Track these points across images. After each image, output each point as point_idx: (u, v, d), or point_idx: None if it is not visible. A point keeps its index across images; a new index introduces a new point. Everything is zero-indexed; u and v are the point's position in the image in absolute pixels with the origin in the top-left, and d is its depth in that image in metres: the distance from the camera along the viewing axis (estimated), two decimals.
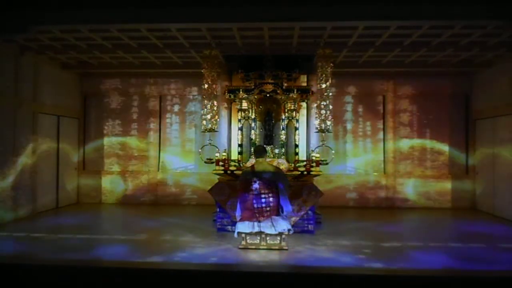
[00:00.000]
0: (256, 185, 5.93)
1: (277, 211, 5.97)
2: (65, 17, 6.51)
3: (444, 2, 6.17)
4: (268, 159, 7.17)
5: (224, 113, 9.82)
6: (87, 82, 10.81)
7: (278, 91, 8.29)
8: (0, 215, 7.77)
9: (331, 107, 7.55)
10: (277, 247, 6.01)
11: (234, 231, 6.13)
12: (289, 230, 5.97)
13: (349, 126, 10.45)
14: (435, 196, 10.22)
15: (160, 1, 6.36)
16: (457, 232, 7.80)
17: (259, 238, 6.06)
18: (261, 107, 8.69)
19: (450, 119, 10.35)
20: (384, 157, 10.38)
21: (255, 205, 5.90)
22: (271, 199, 5.92)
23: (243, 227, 6.00)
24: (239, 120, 8.61)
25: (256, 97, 8.42)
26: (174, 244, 6.42)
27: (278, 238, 6.03)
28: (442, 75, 10.20)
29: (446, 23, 6.66)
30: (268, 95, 8.41)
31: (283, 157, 8.32)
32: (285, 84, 8.35)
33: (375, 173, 10.38)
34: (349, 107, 10.48)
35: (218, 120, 7.93)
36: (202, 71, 7.72)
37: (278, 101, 8.52)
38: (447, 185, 10.22)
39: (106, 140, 10.81)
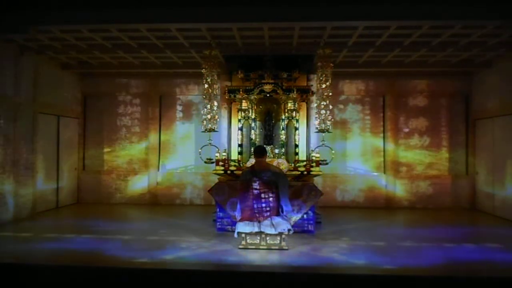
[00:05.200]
0: (256, 185, 5.92)
1: (277, 211, 5.97)
2: (65, 17, 6.53)
3: (444, 2, 6.18)
4: (268, 159, 7.17)
5: (224, 113, 9.81)
6: (87, 82, 10.81)
7: (278, 91, 8.29)
8: (1, 215, 7.77)
9: (331, 107, 7.56)
10: (277, 247, 6.01)
11: (234, 231, 6.12)
12: (289, 230, 5.96)
13: (349, 126, 10.46)
14: (435, 196, 10.22)
15: (160, 1, 6.37)
16: (453, 233, 7.78)
17: (259, 238, 6.06)
18: (261, 107, 8.68)
19: (450, 119, 10.36)
20: (384, 157, 10.39)
21: (255, 205, 5.90)
22: (271, 199, 5.92)
23: (243, 227, 5.99)
24: (239, 120, 8.61)
25: (256, 97, 8.41)
26: (174, 244, 6.41)
27: (278, 238, 6.03)
28: (442, 75, 10.20)
29: (446, 23, 6.66)
30: (268, 95, 8.41)
31: (283, 157, 8.31)
32: (285, 84, 8.35)
33: (375, 173, 10.38)
34: (349, 107, 10.50)
35: (218, 120, 7.94)
36: (202, 71, 7.72)
37: (278, 101, 8.52)
38: (447, 185, 10.23)
39: (106, 140, 10.81)
